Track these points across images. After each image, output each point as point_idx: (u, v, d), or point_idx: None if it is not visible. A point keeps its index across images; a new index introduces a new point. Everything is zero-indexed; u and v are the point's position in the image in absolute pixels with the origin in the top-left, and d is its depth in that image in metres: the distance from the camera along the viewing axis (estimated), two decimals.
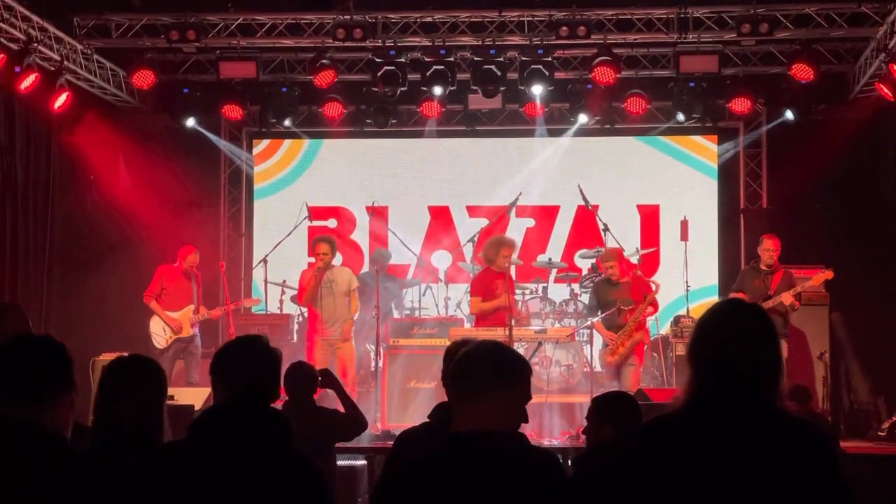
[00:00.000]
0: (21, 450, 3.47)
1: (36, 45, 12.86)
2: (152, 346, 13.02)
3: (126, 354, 4.58)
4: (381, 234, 15.73)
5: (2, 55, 12.31)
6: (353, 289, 13.02)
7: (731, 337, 3.37)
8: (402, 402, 12.48)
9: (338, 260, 15.05)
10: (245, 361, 4.03)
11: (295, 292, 14.64)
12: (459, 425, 3.47)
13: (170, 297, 13.33)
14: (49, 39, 13.31)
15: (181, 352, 13.16)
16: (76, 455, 3.64)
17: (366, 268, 15.30)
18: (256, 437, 3.65)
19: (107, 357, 11.11)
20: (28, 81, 12.73)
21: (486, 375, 3.50)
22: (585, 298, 14.11)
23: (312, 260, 13.22)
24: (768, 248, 12.69)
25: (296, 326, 14.54)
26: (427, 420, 5.91)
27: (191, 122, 15.28)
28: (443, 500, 3.33)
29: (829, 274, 12.43)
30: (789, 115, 14.60)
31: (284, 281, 14.75)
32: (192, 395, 11.20)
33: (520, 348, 11.87)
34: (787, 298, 12.17)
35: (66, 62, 13.58)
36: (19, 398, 3.62)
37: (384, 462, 4.96)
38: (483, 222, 15.28)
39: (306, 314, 14.17)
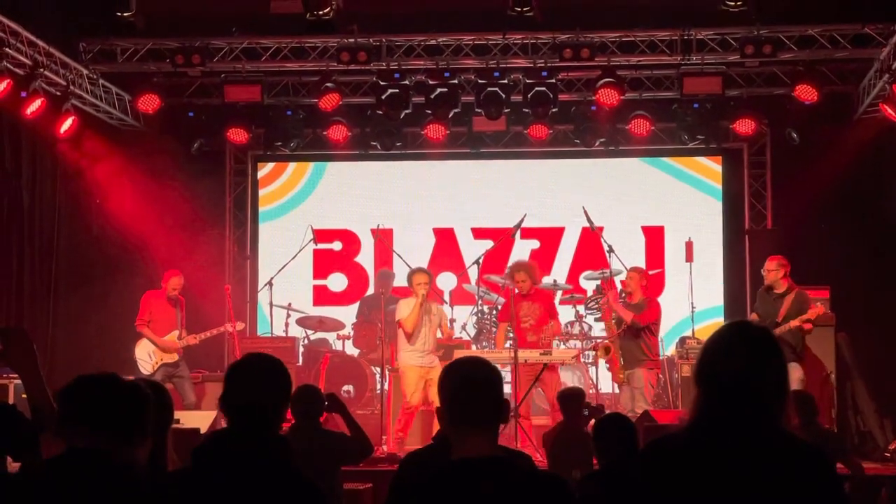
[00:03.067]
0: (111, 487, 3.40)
1: (42, 70, 12.91)
2: (138, 371, 12.87)
3: (133, 378, 4.57)
4: (386, 257, 15.74)
5: (8, 80, 12.35)
6: (444, 324, 12.63)
7: (737, 359, 3.37)
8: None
9: (342, 285, 15.09)
10: (250, 382, 3.96)
11: (300, 315, 14.67)
12: (462, 452, 3.48)
13: (156, 324, 13.19)
14: (55, 64, 13.37)
15: (169, 377, 12.93)
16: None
17: (371, 290, 15.31)
18: (258, 463, 3.65)
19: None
20: (34, 106, 12.78)
21: (487, 411, 3.53)
22: (590, 320, 14.15)
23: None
24: (768, 269, 12.61)
25: (301, 349, 14.53)
26: (431, 443, 5.91)
27: (196, 146, 15.33)
28: None
29: (820, 309, 12.23)
30: (794, 135, 14.61)
31: (290, 304, 14.76)
32: (198, 418, 11.18)
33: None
34: (794, 324, 12.03)
35: (71, 87, 13.63)
36: (112, 437, 3.56)
37: (389, 484, 4.93)
38: (488, 244, 15.27)
39: (312, 337, 14.19)
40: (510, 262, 13.05)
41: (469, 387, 3.54)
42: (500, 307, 13.51)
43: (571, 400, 8.81)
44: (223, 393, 3.90)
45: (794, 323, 11.88)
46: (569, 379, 13.33)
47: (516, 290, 12.53)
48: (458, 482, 3.41)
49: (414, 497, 3.51)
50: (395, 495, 4.15)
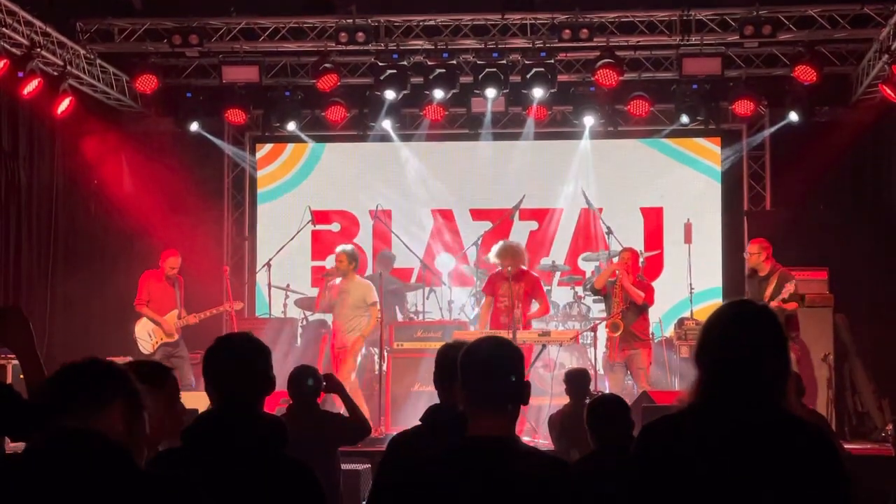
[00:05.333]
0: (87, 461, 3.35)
1: (39, 50, 12.88)
2: (138, 351, 12.89)
3: (131, 360, 4.56)
4: (385, 238, 15.73)
5: (5, 60, 12.33)
6: (368, 304, 12.91)
7: (737, 338, 3.35)
8: (405, 405, 12.47)
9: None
10: (229, 362, 3.96)
11: (299, 296, 14.69)
12: (475, 431, 3.47)
13: (155, 303, 13.24)
14: (52, 44, 13.33)
15: (168, 357, 12.96)
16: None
17: (370, 271, 15.31)
18: (247, 443, 3.64)
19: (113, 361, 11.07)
20: (31, 86, 12.75)
21: (504, 393, 3.50)
22: (589, 301, 14.15)
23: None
24: (750, 252, 12.69)
25: (300, 330, 14.53)
26: (419, 423, 5.90)
27: (194, 127, 15.31)
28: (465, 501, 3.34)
29: (790, 288, 12.16)
30: (794, 116, 14.58)
31: (288, 285, 14.74)
32: (195, 398, 11.16)
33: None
34: (773, 305, 12.01)
35: (68, 67, 13.60)
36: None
37: (378, 466, 4.92)
38: (486, 225, 15.28)
39: (310, 318, 14.26)
40: (500, 244, 13.03)
41: (488, 368, 3.52)
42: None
43: (577, 380, 8.81)
44: (205, 377, 3.91)
45: (774, 304, 11.90)
46: (567, 360, 13.32)
47: (500, 268, 12.63)
48: (462, 460, 3.40)
49: (416, 477, 3.50)
50: (384, 476, 4.14)
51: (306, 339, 14.39)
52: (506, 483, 3.34)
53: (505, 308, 12.48)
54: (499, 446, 3.41)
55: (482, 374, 3.51)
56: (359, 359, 12.99)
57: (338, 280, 13.03)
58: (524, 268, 12.89)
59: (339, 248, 13.22)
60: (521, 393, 3.54)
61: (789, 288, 12.04)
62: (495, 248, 12.85)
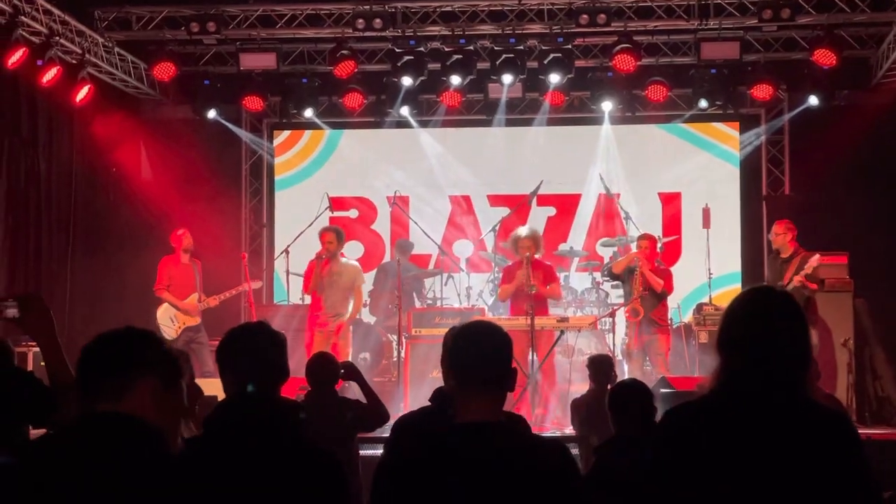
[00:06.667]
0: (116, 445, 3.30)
1: (57, 38, 12.91)
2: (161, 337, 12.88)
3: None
4: (402, 224, 15.74)
5: (24, 49, 12.35)
6: (357, 286, 12.92)
7: (759, 324, 3.36)
8: (423, 391, 12.47)
9: (359, 252, 15.10)
10: (248, 350, 3.96)
11: None
12: (465, 416, 3.48)
13: (175, 288, 13.31)
14: (70, 33, 13.36)
15: (189, 342, 13.03)
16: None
17: (387, 257, 15.33)
18: (267, 429, 3.65)
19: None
20: (50, 75, 12.79)
21: (493, 376, 3.52)
22: (607, 287, 14.13)
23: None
24: (775, 233, 12.66)
25: None
26: (428, 404, 5.90)
27: (212, 114, 15.34)
28: (452, 488, 3.34)
29: (815, 261, 12.17)
30: (813, 100, 14.51)
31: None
32: (215, 385, 11.19)
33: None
34: (797, 279, 12.08)
35: (87, 55, 13.63)
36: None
37: (385, 447, 4.94)
38: (504, 211, 15.27)
39: None
40: (521, 229, 12.98)
41: (477, 350, 3.52)
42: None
43: (600, 366, 8.78)
44: (219, 367, 3.92)
45: (798, 278, 11.91)
46: (585, 345, 13.34)
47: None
48: (456, 445, 3.40)
49: (410, 458, 3.51)
50: (390, 457, 4.15)
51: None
52: (494, 468, 3.33)
53: (525, 295, 12.49)
54: (486, 430, 3.41)
55: (470, 357, 3.52)
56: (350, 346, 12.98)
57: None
58: (538, 257, 12.83)
59: (325, 228, 13.16)
60: (509, 377, 3.54)
61: (813, 262, 12.04)
62: (516, 233, 12.81)
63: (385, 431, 9.40)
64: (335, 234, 12.86)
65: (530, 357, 11.79)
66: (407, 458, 3.52)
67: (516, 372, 3.60)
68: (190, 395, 4.33)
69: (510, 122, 16.01)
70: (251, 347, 3.95)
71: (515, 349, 3.70)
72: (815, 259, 12.11)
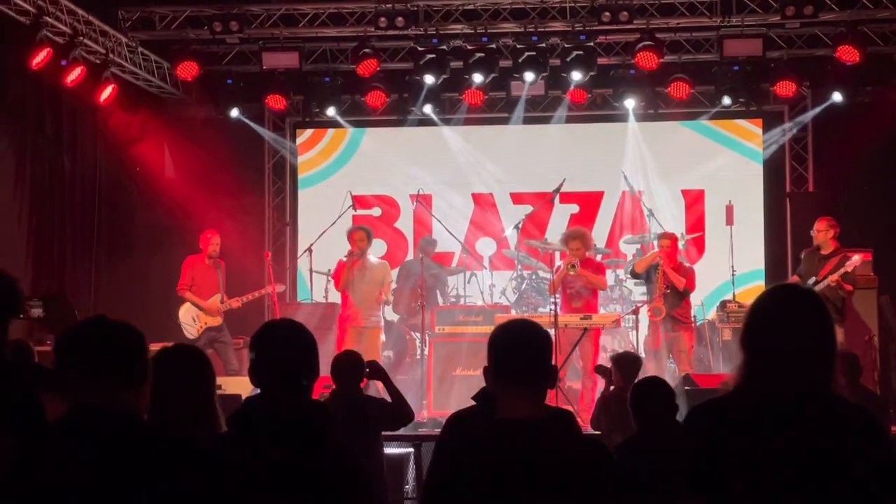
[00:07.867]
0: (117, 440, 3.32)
1: (81, 38, 12.98)
2: (183, 336, 12.98)
3: (170, 345, 4.58)
4: (425, 222, 15.75)
5: (48, 49, 12.42)
6: (386, 282, 13.00)
7: (783, 322, 3.37)
8: (447, 389, 12.50)
9: (382, 250, 15.13)
10: (279, 348, 3.94)
11: None
12: (507, 412, 3.50)
13: (198, 288, 13.34)
14: (94, 33, 13.43)
15: (212, 342, 13.10)
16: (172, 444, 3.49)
17: (411, 255, 15.34)
18: (293, 428, 3.66)
19: (153, 347, 11.15)
20: (74, 75, 12.87)
21: (534, 374, 3.54)
22: (630, 284, 14.12)
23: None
24: (818, 229, 12.59)
25: None
26: (474, 404, 5.91)
27: (235, 113, 15.39)
28: (498, 483, 3.36)
29: (857, 262, 12.17)
30: (836, 97, 14.45)
31: (330, 270, 14.78)
32: (239, 383, 11.24)
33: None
34: (832, 280, 12.07)
35: (111, 55, 13.70)
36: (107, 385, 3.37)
37: (436, 443, 4.94)
38: (527, 209, 15.26)
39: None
40: (565, 230, 12.97)
41: (518, 348, 3.55)
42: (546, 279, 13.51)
43: (628, 364, 8.73)
44: (252, 361, 3.92)
45: (833, 277, 11.88)
46: (609, 343, 13.33)
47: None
48: (499, 441, 3.43)
49: (456, 456, 3.54)
50: (439, 455, 4.18)
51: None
52: (530, 465, 3.35)
53: (575, 294, 12.48)
54: (526, 427, 3.43)
55: (511, 355, 3.55)
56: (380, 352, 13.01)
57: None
58: (589, 255, 12.81)
59: (354, 227, 13.28)
60: (549, 375, 3.58)
61: (854, 262, 12.02)
62: (564, 233, 12.84)
63: (410, 430, 9.46)
64: (365, 233, 12.97)
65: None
66: (453, 455, 3.55)
67: (557, 370, 3.61)
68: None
69: (532, 120, 16.01)
70: (280, 345, 3.94)
71: None
72: (856, 259, 12.10)
